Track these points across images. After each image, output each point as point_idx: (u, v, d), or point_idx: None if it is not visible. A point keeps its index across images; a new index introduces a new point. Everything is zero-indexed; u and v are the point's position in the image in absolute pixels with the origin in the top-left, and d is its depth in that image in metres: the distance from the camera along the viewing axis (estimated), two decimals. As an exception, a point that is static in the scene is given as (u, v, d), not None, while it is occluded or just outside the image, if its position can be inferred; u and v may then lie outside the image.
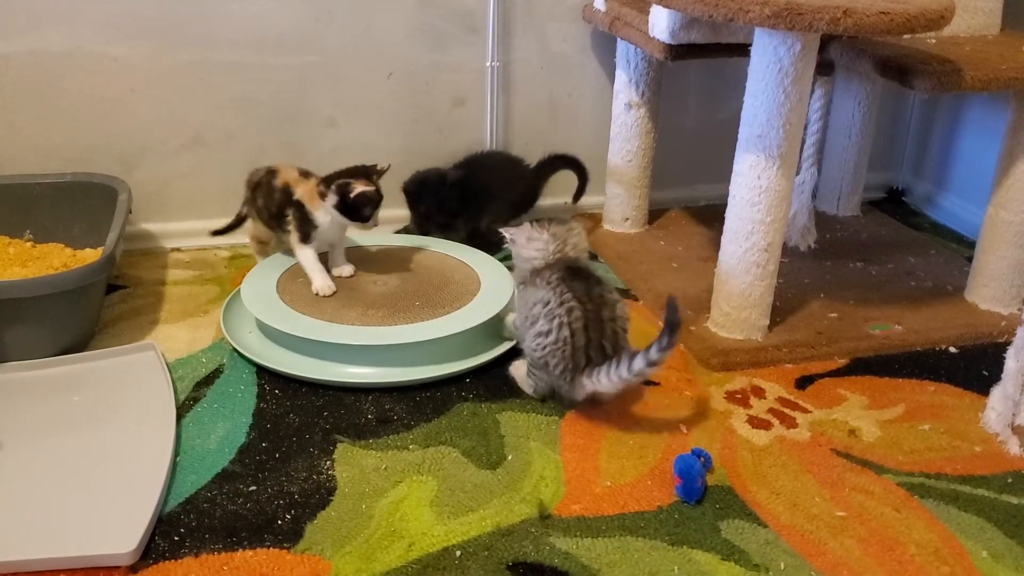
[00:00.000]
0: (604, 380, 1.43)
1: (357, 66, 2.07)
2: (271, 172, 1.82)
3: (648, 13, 1.81)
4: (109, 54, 1.94)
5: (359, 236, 1.96)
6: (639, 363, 1.40)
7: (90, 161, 1.99)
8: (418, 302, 1.73)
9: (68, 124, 1.97)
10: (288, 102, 2.07)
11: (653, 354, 1.38)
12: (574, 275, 1.50)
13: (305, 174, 1.79)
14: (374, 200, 1.72)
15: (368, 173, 1.75)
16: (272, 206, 1.80)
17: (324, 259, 1.81)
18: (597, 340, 1.46)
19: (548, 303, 1.47)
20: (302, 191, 1.75)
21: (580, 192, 2.21)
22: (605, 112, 2.18)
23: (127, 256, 2.02)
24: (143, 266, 2.01)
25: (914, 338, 1.78)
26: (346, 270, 1.82)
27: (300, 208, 1.75)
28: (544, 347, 1.47)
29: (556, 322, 1.45)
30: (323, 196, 1.72)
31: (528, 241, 1.56)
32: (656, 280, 1.95)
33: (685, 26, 1.73)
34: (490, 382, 1.61)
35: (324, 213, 1.74)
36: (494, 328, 1.71)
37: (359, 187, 1.69)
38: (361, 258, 1.91)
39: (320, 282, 1.75)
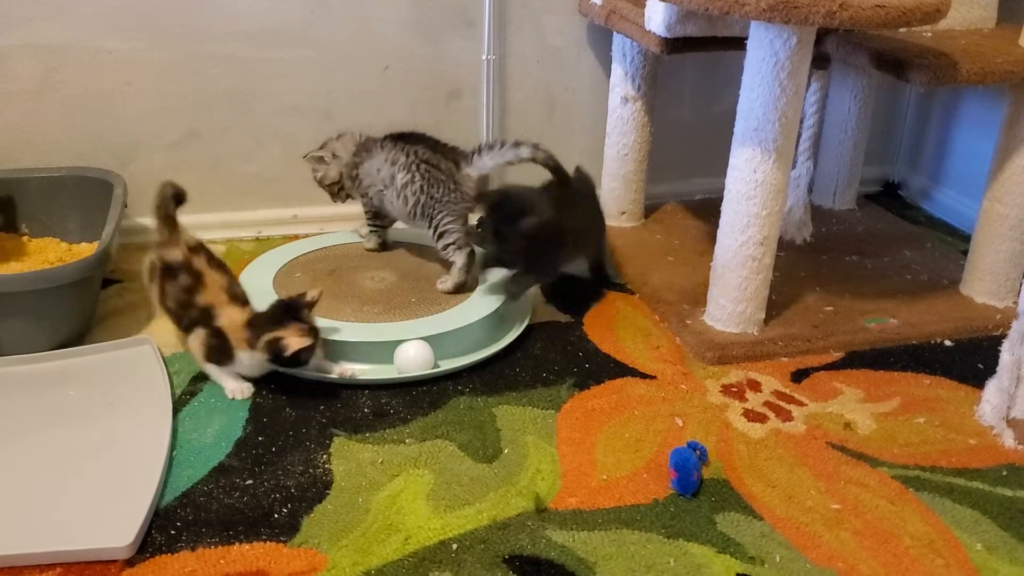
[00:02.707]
0: (488, 161, 1.72)
1: (353, 59, 2.07)
2: (194, 274, 1.55)
3: (644, 7, 1.80)
4: (104, 48, 1.93)
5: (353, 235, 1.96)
6: (526, 150, 1.69)
7: (85, 155, 1.98)
8: (414, 298, 1.73)
9: (63, 118, 1.96)
10: (283, 95, 2.06)
11: (542, 150, 1.70)
12: (398, 136, 1.79)
13: (235, 296, 1.56)
14: (312, 350, 1.49)
15: (298, 312, 1.51)
16: (184, 317, 1.55)
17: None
18: (452, 156, 1.75)
19: (396, 162, 1.76)
20: (228, 323, 1.51)
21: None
22: (601, 106, 2.18)
23: (123, 250, 2.01)
24: (139, 260, 1.99)
25: (910, 331, 1.78)
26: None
27: (221, 337, 1.51)
28: (416, 192, 1.74)
29: (412, 167, 1.73)
30: (251, 344, 1.49)
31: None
32: (652, 274, 1.96)
33: (681, 19, 1.73)
34: (486, 376, 1.61)
35: (249, 357, 1.50)
36: (491, 324, 1.70)
37: (294, 345, 1.45)
38: (358, 254, 1.91)
39: (232, 386, 1.54)
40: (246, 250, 2.07)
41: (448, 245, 1.76)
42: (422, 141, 1.78)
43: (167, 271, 1.57)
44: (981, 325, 1.81)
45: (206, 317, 1.52)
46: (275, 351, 1.47)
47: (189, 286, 1.55)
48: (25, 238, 1.91)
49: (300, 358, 1.48)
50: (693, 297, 1.83)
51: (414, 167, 1.74)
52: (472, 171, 1.74)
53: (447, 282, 1.76)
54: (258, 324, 1.50)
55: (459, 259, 1.75)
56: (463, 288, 1.76)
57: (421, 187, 1.74)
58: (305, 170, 2.15)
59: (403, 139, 1.79)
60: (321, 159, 1.86)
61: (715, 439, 1.47)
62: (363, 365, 1.60)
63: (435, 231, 1.76)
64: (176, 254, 1.57)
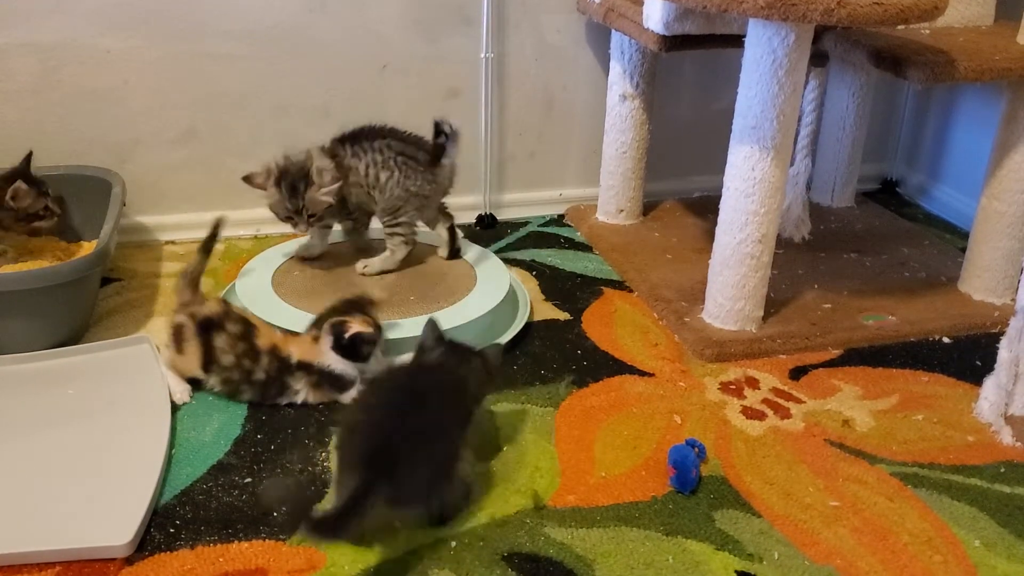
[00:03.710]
0: (453, 151, 1.78)
1: (351, 57, 2.07)
2: (244, 324, 1.49)
3: (642, 4, 1.80)
4: (102, 46, 1.93)
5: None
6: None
7: (83, 154, 1.98)
8: (413, 297, 1.73)
9: (61, 116, 1.96)
10: (282, 94, 2.06)
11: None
12: (355, 135, 1.77)
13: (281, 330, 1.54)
14: (374, 340, 1.47)
15: (362, 308, 1.51)
16: (258, 369, 1.47)
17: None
18: (423, 146, 1.78)
19: (376, 162, 1.75)
20: (299, 350, 1.49)
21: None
22: (600, 104, 2.18)
23: (121, 249, 2.02)
24: (137, 259, 2.00)
25: (908, 329, 1.78)
26: None
27: (310, 368, 1.48)
28: (394, 186, 1.75)
29: (391, 162, 1.75)
30: (316, 340, 1.48)
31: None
32: (650, 272, 1.96)
33: (679, 17, 1.73)
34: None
35: (335, 360, 1.48)
36: (489, 323, 1.70)
37: (355, 327, 1.45)
38: (356, 251, 1.91)
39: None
40: (244, 248, 2.07)
41: (398, 235, 1.79)
42: (389, 134, 1.77)
43: (206, 326, 1.48)
44: (979, 322, 1.81)
45: (277, 359, 1.48)
46: (336, 333, 1.46)
47: (242, 332, 1.48)
48: (24, 237, 1.90)
49: (363, 349, 1.47)
50: (691, 295, 1.83)
51: (391, 162, 1.75)
52: (447, 160, 1.78)
53: (371, 265, 1.80)
54: (322, 318, 1.51)
55: (400, 252, 1.80)
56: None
57: (398, 180, 1.76)
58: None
59: (366, 137, 1.76)
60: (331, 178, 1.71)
61: (713, 436, 1.47)
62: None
63: (394, 218, 1.78)
64: (212, 307, 1.50)
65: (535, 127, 2.24)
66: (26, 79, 1.92)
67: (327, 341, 1.47)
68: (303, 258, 1.85)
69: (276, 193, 1.70)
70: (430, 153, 1.76)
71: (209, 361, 1.49)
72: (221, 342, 1.48)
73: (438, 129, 1.76)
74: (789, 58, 1.51)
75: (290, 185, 1.69)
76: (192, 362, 1.50)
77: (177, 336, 1.50)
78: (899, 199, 2.49)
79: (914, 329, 1.78)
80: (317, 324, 1.51)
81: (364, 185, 1.77)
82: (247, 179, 1.72)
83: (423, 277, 1.81)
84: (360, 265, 1.80)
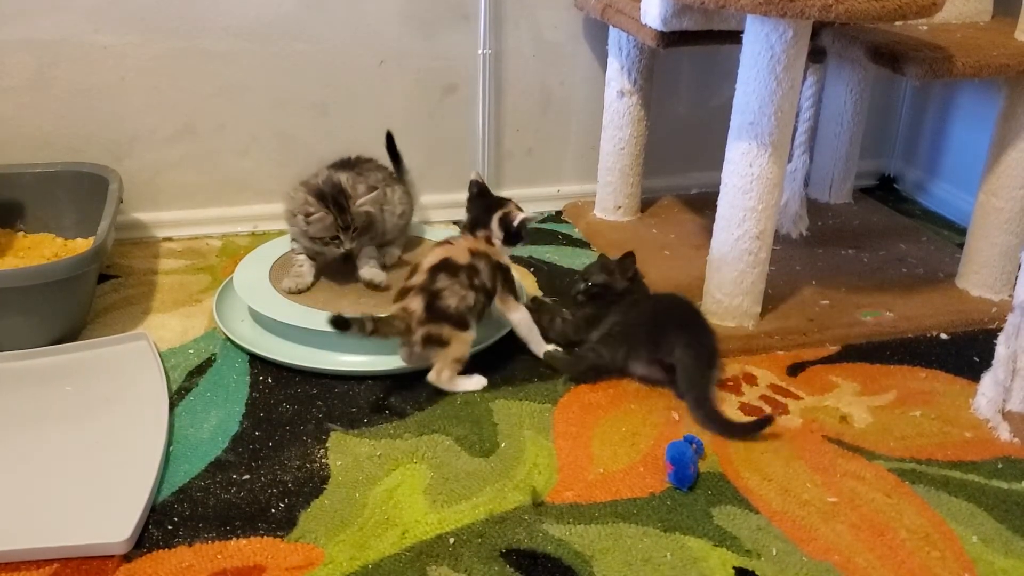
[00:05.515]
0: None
1: (348, 54, 2.07)
2: (461, 269, 1.52)
3: (640, 1, 1.80)
4: (99, 42, 1.93)
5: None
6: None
7: (80, 150, 1.98)
8: (411, 291, 1.73)
9: (58, 113, 1.96)
10: (279, 90, 2.06)
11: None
12: (342, 164, 1.82)
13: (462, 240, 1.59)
14: (533, 219, 1.58)
15: (499, 200, 1.62)
16: (489, 281, 1.56)
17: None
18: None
19: (380, 181, 1.80)
20: (493, 251, 1.57)
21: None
22: (597, 100, 2.18)
23: (118, 246, 2.02)
24: (135, 256, 2.00)
25: (905, 325, 1.78)
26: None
27: (505, 270, 1.58)
28: (400, 202, 1.86)
29: (390, 179, 1.88)
30: (489, 240, 1.57)
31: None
32: (648, 268, 1.95)
33: (677, 13, 1.73)
34: (483, 370, 1.60)
35: (504, 256, 1.59)
36: (486, 318, 1.70)
37: (517, 212, 1.57)
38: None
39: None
40: (242, 245, 2.07)
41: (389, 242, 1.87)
42: (360, 162, 1.86)
43: (460, 319, 1.53)
44: (977, 318, 1.81)
45: (497, 268, 1.57)
46: (506, 224, 1.57)
47: (468, 281, 1.53)
48: (21, 234, 1.90)
49: (525, 232, 1.59)
50: (689, 291, 1.83)
51: (385, 182, 1.83)
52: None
53: (381, 275, 1.76)
54: (478, 222, 1.60)
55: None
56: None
57: (400, 197, 1.86)
58: (300, 165, 2.15)
59: (351, 165, 1.83)
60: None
61: (711, 433, 1.47)
62: (362, 357, 1.60)
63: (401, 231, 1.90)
64: (454, 300, 1.52)
65: (533, 123, 2.24)
66: (22, 76, 1.92)
67: (499, 235, 1.58)
68: (292, 291, 1.71)
69: (328, 215, 1.65)
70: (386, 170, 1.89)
71: (480, 318, 1.56)
72: (471, 299, 1.53)
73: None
74: (787, 54, 1.51)
75: (335, 203, 1.65)
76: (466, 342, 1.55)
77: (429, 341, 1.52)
78: (897, 195, 2.50)
79: (912, 325, 1.78)
80: (480, 227, 1.58)
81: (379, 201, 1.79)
82: (306, 218, 1.65)
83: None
84: (368, 273, 1.78)
